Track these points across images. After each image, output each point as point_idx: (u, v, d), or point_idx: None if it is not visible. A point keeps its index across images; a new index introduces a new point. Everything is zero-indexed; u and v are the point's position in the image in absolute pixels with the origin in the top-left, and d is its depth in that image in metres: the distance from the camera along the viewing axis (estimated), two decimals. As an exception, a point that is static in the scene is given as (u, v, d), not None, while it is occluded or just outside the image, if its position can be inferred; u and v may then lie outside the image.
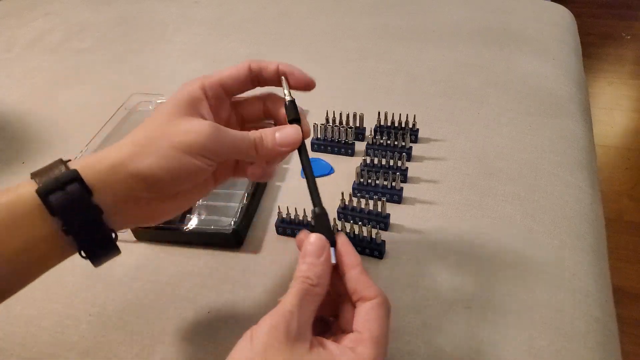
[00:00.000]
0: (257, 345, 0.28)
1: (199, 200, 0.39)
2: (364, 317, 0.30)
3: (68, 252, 0.32)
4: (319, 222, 0.34)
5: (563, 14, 0.89)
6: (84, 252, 0.31)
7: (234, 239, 0.47)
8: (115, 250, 0.33)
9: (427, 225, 0.48)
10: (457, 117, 0.62)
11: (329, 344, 0.30)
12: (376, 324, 0.30)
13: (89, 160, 0.31)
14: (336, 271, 0.33)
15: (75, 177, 0.30)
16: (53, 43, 0.89)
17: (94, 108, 0.70)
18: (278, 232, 0.49)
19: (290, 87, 0.38)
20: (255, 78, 0.38)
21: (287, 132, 0.36)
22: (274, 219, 0.49)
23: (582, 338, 0.39)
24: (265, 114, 0.40)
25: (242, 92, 0.39)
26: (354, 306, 0.32)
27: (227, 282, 0.45)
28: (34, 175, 0.31)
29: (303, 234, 0.34)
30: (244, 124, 0.41)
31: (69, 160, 0.32)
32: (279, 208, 0.48)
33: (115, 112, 0.66)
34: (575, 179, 0.54)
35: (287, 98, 0.38)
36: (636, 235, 1.38)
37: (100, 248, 0.32)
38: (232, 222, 0.48)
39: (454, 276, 0.43)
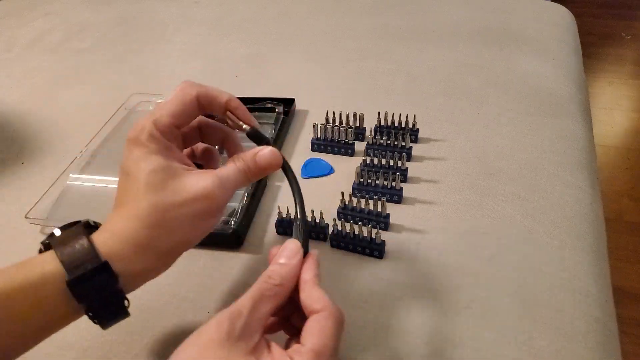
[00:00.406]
0: (201, 340, 0.28)
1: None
2: (308, 330, 0.30)
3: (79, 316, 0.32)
4: (297, 233, 0.35)
5: (563, 14, 0.89)
6: (98, 322, 0.32)
7: (234, 239, 0.47)
8: (126, 316, 0.33)
9: (427, 225, 0.48)
10: (457, 117, 0.62)
11: (275, 348, 0.30)
12: (318, 336, 0.29)
13: (113, 238, 0.31)
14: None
15: (104, 269, 0.30)
16: (53, 43, 0.89)
17: (94, 108, 0.70)
18: (278, 232, 0.49)
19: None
20: (202, 109, 0.37)
21: (265, 154, 0.36)
22: (274, 219, 0.49)
23: (582, 338, 0.39)
24: (224, 144, 0.41)
25: (189, 124, 0.38)
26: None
27: (227, 282, 0.45)
28: (55, 245, 0.31)
29: (275, 249, 0.35)
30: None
31: (92, 228, 0.33)
32: (279, 208, 0.48)
33: (115, 112, 0.66)
34: (575, 179, 0.54)
35: (246, 127, 0.38)
36: (636, 235, 1.38)
37: (114, 317, 0.33)
38: (232, 222, 0.48)
39: (454, 276, 0.43)
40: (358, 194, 0.51)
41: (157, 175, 0.32)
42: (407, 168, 0.53)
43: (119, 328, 0.41)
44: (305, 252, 0.35)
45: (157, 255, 0.32)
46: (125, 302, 0.32)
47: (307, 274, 0.33)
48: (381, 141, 0.55)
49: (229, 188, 0.34)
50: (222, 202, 0.34)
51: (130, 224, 0.32)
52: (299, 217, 0.36)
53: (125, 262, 0.31)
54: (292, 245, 0.34)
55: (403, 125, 0.58)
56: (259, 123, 0.63)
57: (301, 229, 0.35)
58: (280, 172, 0.56)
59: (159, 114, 0.35)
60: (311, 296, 0.32)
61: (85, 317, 0.38)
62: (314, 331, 0.30)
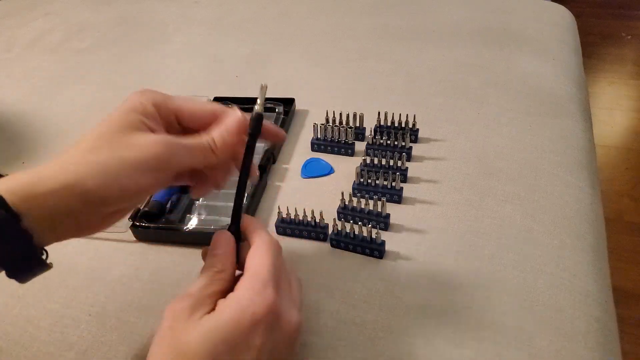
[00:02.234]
0: (165, 323, 0.31)
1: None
2: (246, 262, 0.33)
3: None
4: (234, 216, 0.37)
5: (563, 14, 0.89)
6: (9, 274, 0.30)
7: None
8: (45, 268, 0.31)
9: (427, 225, 0.48)
10: (457, 117, 0.62)
11: (220, 301, 0.32)
12: (253, 260, 0.33)
13: (24, 180, 0.29)
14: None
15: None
16: (53, 43, 0.89)
17: (94, 108, 0.70)
18: (278, 232, 0.49)
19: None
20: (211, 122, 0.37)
21: (229, 121, 0.36)
22: (274, 219, 0.49)
23: (582, 338, 0.39)
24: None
25: (192, 128, 0.37)
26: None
27: (227, 282, 0.45)
28: None
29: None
30: None
31: (4, 176, 0.31)
32: (279, 208, 0.48)
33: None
34: (575, 179, 0.53)
35: (257, 109, 0.38)
36: (636, 235, 1.38)
37: (29, 270, 0.31)
38: (232, 222, 0.47)
39: (454, 276, 0.43)
40: (358, 194, 0.51)
41: (120, 128, 0.33)
42: (407, 168, 0.53)
43: (119, 328, 0.41)
44: (238, 234, 0.37)
45: (83, 201, 0.30)
46: (44, 254, 0.31)
47: (244, 222, 0.37)
48: (381, 141, 0.55)
49: (180, 152, 0.33)
50: (165, 163, 0.32)
51: (58, 166, 0.30)
52: (236, 198, 0.37)
53: (37, 200, 0.29)
54: (222, 236, 0.36)
55: (403, 125, 0.58)
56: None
57: (236, 212, 0.37)
58: (280, 172, 0.56)
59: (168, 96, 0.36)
60: (248, 235, 0.36)
61: (84, 314, 0.38)
62: (250, 258, 0.33)
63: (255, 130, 0.36)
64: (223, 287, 0.33)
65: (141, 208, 0.49)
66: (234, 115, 0.37)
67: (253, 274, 0.32)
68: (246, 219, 0.37)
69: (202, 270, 0.34)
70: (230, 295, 0.31)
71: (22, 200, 0.28)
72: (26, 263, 0.30)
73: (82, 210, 0.30)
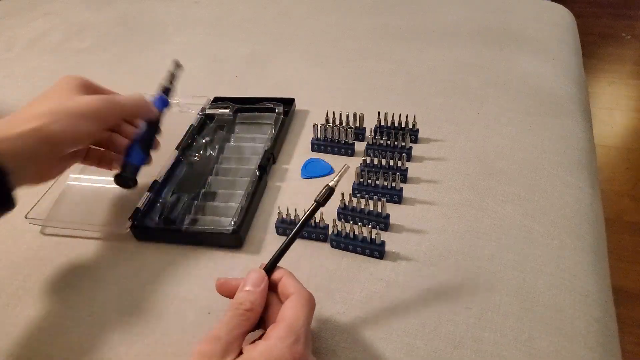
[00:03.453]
0: None
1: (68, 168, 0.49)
2: (282, 310, 0.34)
3: None
4: (275, 259, 0.38)
5: (563, 14, 0.89)
6: None
7: (234, 240, 0.47)
8: (12, 206, 0.37)
9: (427, 225, 0.48)
10: (457, 117, 0.62)
11: (250, 348, 0.32)
12: (289, 312, 0.33)
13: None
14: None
15: None
16: (53, 43, 0.89)
17: (94, 108, 0.70)
18: (278, 233, 0.49)
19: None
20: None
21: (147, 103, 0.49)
22: (274, 219, 0.49)
23: (582, 338, 0.39)
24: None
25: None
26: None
27: (227, 282, 0.45)
28: None
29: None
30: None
31: None
32: (279, 208, 0.48)
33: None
34: (575, 179, 0.54)
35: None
36: (636, 235, 1.38)
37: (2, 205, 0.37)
38: (232, 223, 0.48)
39: (454, 276, 0.43)
40: (358, 194, 0.51)
41: (69, 92, 0.43)
42: (407, 168, 0.53)
43: (119, 328, 0.41)
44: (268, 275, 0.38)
45: (45, 142, 0.38)
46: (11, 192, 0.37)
47: (279, 273, 0.37)
48: (381, 141, 0.55)
49: (116, 104, 0.45)
50: (104, 113, 0.44)
51: (25, 116, 0.39)
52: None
53: (9, 141, 0.36)
54: (257, 274, 0.36)
55: (403, 125, 0.58)
56: (259, 123, 0.63)
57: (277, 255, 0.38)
58: (280, 172, 0.56)
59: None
60: (284, 286, 0.36)
61: (84, 314, 0.39)
62: (286, 308, 0.34)
63: (323, 200, 0.39)
64: (249, 327, 0.34)
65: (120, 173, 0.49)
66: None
67: (288, 325, 0.32)
68: (283, 270, 0.38)
69: (231, 306, 0.34)
70: (262, 343, 0.32)
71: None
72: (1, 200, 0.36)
73: (44, 152, 0.39)
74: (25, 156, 0.37)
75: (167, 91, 0.53)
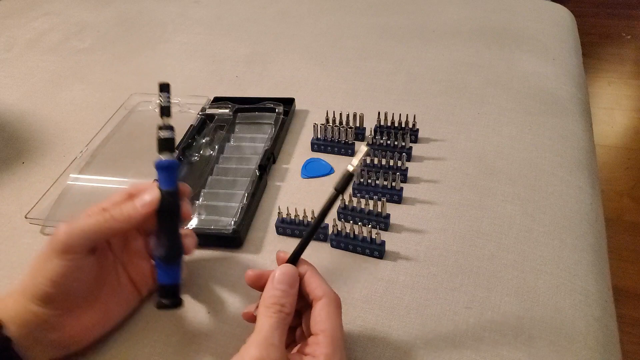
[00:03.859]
0: None
1: (126, 313, 0.41)
2: (317, 318, 0.33)
3: None
4: (297, 252, 0.36)
5: (563, 14, 0.89)
6: None
7: (234, 240, 0.47)
8: None
9: (427, 225, 0.48)
10: (457, 117, 0.62)
11: (296, 357, 0.33)
12: (328, 322, 0.33)
13: (2, 299, 0.35)
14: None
15: None
16: (53, 43, 0.89)
17: (94, 108, 0.70)
18: (278, 232, 0.49)
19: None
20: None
21: (144, 196, 0.37)
22: (274, 219, 0.49)
23: (582, 338, 0.39)
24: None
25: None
26: (309, 307, 0.35)
27: (227, 281, 0.45)
28: None
29: (283, 253, 0.37)
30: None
31: None
32: (279, 208, 0.48)
33: (115, 112, 0.66)
34: (575, 179, 0.54)
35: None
36: (636, 235, 1.38)
37: None
38: (232, 223, 0.48)
39: (454, 276, 0.43)
40: (358, 194, 0.51)
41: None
42: (407, 168, 0.53)
43: (119, 329, 0.41)
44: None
45: (33, 301, 0.34)
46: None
47: (303, 269, 0.36)
48: (381, 141, 0.55)
49: (78, 229, 0.35)
50: (70, 243, 0.35)
51: (16, 286, 0.36)
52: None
53: (7, 310, 0.34)
54: (292, 272, 0.35)
55: (403, 125, 0.58)
56: (259, 123, 0.63)
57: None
58: (280, 172, 0.56)
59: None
60: (311, 285, 0.35)
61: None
62: (323, 318, 0.33)
63: (341, 187, 0.35)
64: (287, 328, 0.33)
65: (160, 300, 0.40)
66: (149, 192, 0.37)
67: (331, 338, 0.32)
68: (306, 265, 0.36)
69: (272, 309, 0.33)
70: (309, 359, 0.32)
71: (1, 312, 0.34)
72: None
73: (43, 312, 0.34)
74: (27, 321, 0.35)
75: (168, 144, 0.38)
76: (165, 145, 0.38)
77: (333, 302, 0.34)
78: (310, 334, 0.34)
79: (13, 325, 0.34)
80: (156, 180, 0.38)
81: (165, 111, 0.38)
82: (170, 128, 0.38)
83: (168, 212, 0.37)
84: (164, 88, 0.38)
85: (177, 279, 0.38)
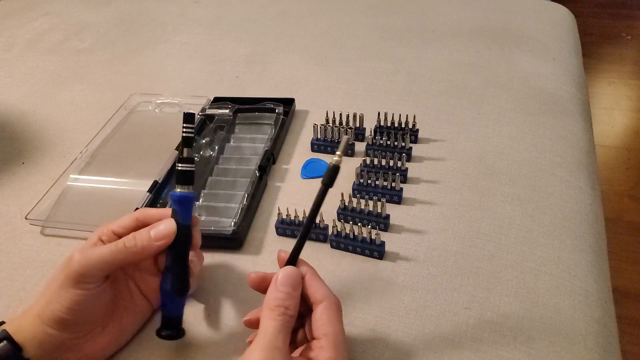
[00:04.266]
0: None
1: (139, 326, 0.41)
2: (318, 322, 0.33)
3: None
4: (294, 253, 0.36)
5: (563, 14, 0.89)
6: None
7: (234, 240, 0.47)
8: None
9: (427, 225, 0.48)
10: (457, 117, 0.62)
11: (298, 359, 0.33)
12: (330, 325, 0.33)
13: (19, 319, 0.36)
14: None
15: (4, 337, 0.34)
16: (53, 43, 0.89)
17: (94, 108, 0.70)
18: (278, 233, 0.49)
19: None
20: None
21: (160, 228, 0.37)
22: (274, 219, 0.49)
23: (581, 338, 0.39)
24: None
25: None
26: (310, 310, 0.35)
27: (227, 283, 0.45)
28: None
29: (284, 253, 0.37)
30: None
31: (3, 323, 0.37)
32: (279, 209, 0.48)
33: (115, 112, 0.66)
34: (575, 179, 0.54)
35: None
36: (636, 235, 1.38)
37: None
38: (232, 223, 0.48)
39: (454, 277, 0.44)
40: (358, 195, 0.51)
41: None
42: (407, 168, 0.53)
43: (119, 328, 0.41)
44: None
45: (49, 324, 0.35)
46: None
47: (302, 270, 0.36)
48: (381, 142, 0.55)
49: (93, 257, 0.35)
50: (83, 271, 0.35)
51: (33, 306, 0.36)
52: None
53: (26, 333, 0.34)
54: (295, 274, 0.35)
55: (403, 125, 0.58)
56: (259, 123, 0.63)
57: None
58: (280, 172, 0.56)
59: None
60: (311, 288, 0.35)
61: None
62: (325, 322, 0.33)
63: (329, 181, 0.35)
64: (290, 330, 0.33)
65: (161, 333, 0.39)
66: (165, 225, 0.37)
67: (333, 343, 0.32)
68: (306, 266, 0.36)
69: (276, 311, 0.33)
70: None
71: (19, 335, 0.34)
72: None
73: (60, 335, 0.35)
74: (45, 342, 0.35)
75: (187, 178, 0.38)
76: (184, 178, 0.37)
77: (334, 306, 0.34)
78: (312, 338, 0.34)
79: (30, 347, 0.34)
80: (171, 208, 0.38)
81: (187, 142, 0.38)
82: (190, 160, 0.38)
83: (181, 245, 0.37)
84: (189, 119, 0.38)
85: (181, 312, 0.39)
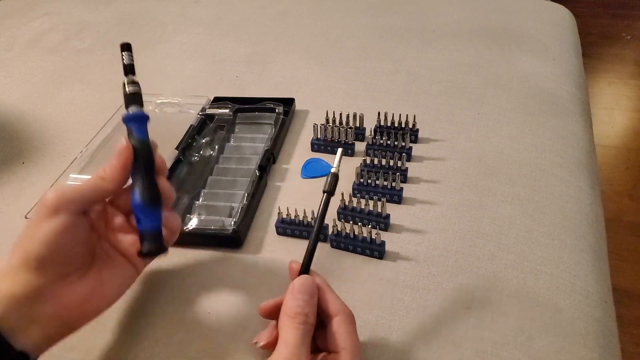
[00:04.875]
0: None
1: (123, 287, 0.39)
2: (335, 335, 0.33)
3: None
4: (307, 263, 0.37)
5: (563, 14, 0.89)
6: None
7: (234, 240, 0.47)
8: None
9: (427, 225, 0.48)
10: (457, 117, 0.62)
11: None
12: (347, 340, 0.33)
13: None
14: None
15: None
16: (53, 43, 0.89)
17: (94, 108, 0.70)
18: (278, 233, 0.49)
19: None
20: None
21: (119, 148, 0.38)
22: (274, 219, 0.49)
23: (581, 338, 0.39)
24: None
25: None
26: (324, 324, 0.35)
27: (227, 282, 0.45)
28: None
29: (295, 263, 0.37)
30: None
31: None
32: (279, 208, 0.48)
33: (115, 112, 0.66)
34: (575, 179, 0.54)
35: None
36: (636, 235, 1.38)
37: None
38: (232, 223, 0.48)
39: (454, 276, 0.44)
40: (358, 194, 0.51)
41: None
42: (407, 168, 0.53)
43: (119, 329, 0.41)
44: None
45: (23, 265, 0.33)
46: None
47: (319, 281, 0.36)
48: (381, 141, 0.55)
49: (71, 189, 0.35)
50: (63, 199, 0.34)
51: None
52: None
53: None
54: (309, 280, 0.35)
55: (403, 125, 0.58)
56: (259, 123, 0.63)
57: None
58: (280, 172, 0.56)
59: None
60: (325, 300, 0.35)
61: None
62: (342, 336, 0.33)
63: (331, 189, 0.37)
64: (310, 340, 0.33)
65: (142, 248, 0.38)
66: (121, 145, 0.38)
67: (351, 355, 0.32)
68: (319, 279, 0.36)
69: (298, 320, 0.33)
70: None
71: None
72: None
73: (33, 277, 0.33)
74: (17, 293, 0.33)
75: (136, 99, 0.40)
76: (133, 99, 0.40)
77: (349, 319, 0.34)
78: (329, 351, 0.34)
79: (3, 306, 0.32)
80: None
81: (129, 69, 0.41)
82: (136, 84, 0.41)
83: (142, 160, 0.38)
84: (125, 48, 0.42)
85: (158, 225, 0.37)
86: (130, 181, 0.38)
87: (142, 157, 0.38)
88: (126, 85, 0.40)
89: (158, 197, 0.38)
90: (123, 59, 0.41)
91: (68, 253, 0.35)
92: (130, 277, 0.40)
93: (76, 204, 0.35)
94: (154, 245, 0.37)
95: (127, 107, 0.39)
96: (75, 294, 0.35)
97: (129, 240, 0.39)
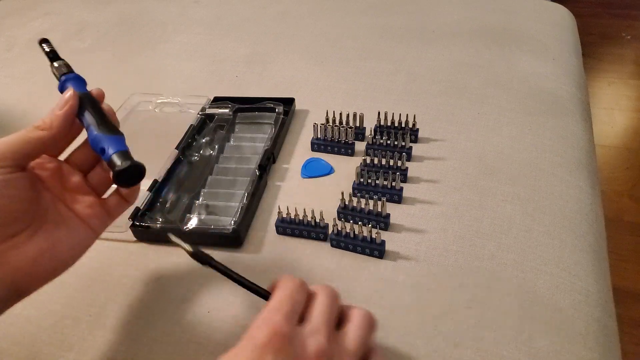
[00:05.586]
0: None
1: (79, 249, 0.38)
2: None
3: None
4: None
5: (563, 14, 0.89)
6: None
7: (234, 239, 0.47)
8: None
9: (427, 225, 0.48)
10: (457, 117, 0.62)
11: None
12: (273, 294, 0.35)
13: None
14: None
15: None
16: (53, 43, 0.89)
17: (94, 108, 0.70)
18: (278, 232, 0.49)
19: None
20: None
21: (60, 99, 0.39)
22: (274, 218, 0.49)
23: (581, 338, 0.39)
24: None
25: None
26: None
27: (227, 282, 0.45)
28: None
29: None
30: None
31: None
32: (279, 208, 0.48)
33: (115, 111, 0.66)
34: (575, 179, 0.54)
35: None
36: (636, 235, 1.38)
37: None
38: (232, 222, 0.48)
39: (454, 276, 0.44)
40: (358, 194, 0.51)
41: None
42: (407, 168, 0.53)
43: (119, 328, 0.41)
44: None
45: None
46: None
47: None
48: (381, 141, 0.55)
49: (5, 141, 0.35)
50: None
51: None
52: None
53: None
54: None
55: (403, 125, 0.58)
56: (259, 123, 0.63)
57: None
58: (280, 172, 0.56)
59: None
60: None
61: (84, 315, 0.38)
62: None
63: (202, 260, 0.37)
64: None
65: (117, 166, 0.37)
66: (66, 94, 0.40)
67: (266, 305, 0.33)
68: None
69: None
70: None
71: None
72: None
73: None
74: None
75: (69, 68, 0.44)
76: (67, 69, 0.44)
77: (283, 278, 0.35)
78: None
79: None
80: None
81: (52, 55, 0.45)
82: (66, 64, 0.44)
83: (90, 103, 0.40)
84: (43, 42, 0.46)
85: (124, 147, 0.37)
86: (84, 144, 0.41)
87: (89, 100, 0.40)
88: (55, 67, 0.44)
89: (116, 126, 0.39)
90: (44, 49, 0.45)
91: (8, 211, 0.33)
92: (87, 240, 0.38)
93: (12, 156, 0.34)
94: (127, 162, 0.36)
95: (60, 76, 0.43)
96: (24, 254, 0.34)
97: (86, 201, 0.38)
